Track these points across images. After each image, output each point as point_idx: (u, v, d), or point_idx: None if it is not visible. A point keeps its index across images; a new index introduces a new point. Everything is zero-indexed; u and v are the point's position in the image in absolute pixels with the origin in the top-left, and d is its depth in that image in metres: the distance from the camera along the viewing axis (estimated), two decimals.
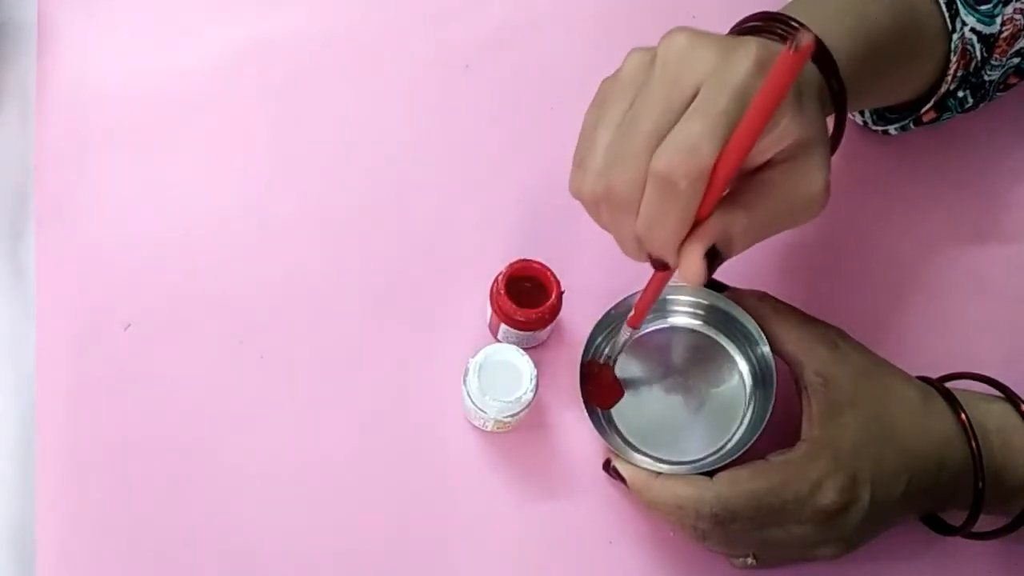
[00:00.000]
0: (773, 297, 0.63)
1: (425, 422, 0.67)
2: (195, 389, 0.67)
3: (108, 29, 0.76)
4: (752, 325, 0.63)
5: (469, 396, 0.63)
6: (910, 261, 0.73)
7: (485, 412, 0.64)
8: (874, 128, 0.72)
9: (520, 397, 0.63)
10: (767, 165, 0.51)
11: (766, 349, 0.62)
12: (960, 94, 0.67)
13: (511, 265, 0.66)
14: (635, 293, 0.63)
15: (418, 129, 0.75)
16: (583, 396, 0.63)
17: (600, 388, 0.64)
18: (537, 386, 0.64)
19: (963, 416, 0.59)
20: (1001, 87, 0.69)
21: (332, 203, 0.72)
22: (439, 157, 0.74)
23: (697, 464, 0.62)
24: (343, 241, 0.71)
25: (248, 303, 0.70)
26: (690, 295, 0.66)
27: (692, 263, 0.50)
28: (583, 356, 0.64)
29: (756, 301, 0.62)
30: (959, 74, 0.64)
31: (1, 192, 0.71)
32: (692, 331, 0.66)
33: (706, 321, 0.66)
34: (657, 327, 0.67)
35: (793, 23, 0.57)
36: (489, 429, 0.66)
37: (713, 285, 0.64)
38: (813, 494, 0.57)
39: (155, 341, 0.68)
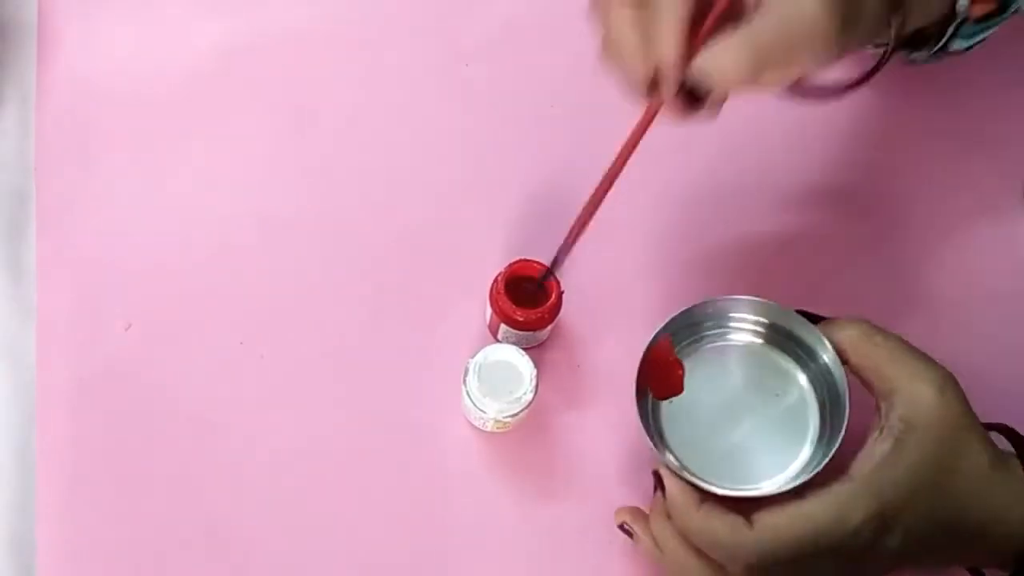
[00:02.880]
0: (875, 326, 0.59)
1: (425, 422, 0.67)
2: (195, 389, 0.67)
3: (108, 30, 0.76)
4: (813, 338, 0.61)
5: (469, 396, 0.63)
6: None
7: (485, 412, 0.64)
8: (912, 59, 0.68)
9: (520, 397, 0.63)
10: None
11: (827, 358, 0.60)
12: None
13: (511, 265, 0.66)
14: (712, 300, 0.62)
15: (418, 128, 0.75)
16: (639, 377, 0.60)
17: (663, 374, 0.62)
18: (537, 386, 0.64)
19: None
20: None
21: (332, 203, 0.72)
22: (439, 156, 0.74)
23: (749, 491, 0.59)
24: (343, 241, 0.71)
25: (248, 303, 0.70)
26: (751, 313, 0.63)
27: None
28: (655, 337, 0.61)
29: (858, 334, 0.59)
30: None
31: (1, 193, 0.71)
32: (756, 353, 0.63)
33: (766, 340, 0.63)
34: (722, 343, 0.64)
35: None
36: (489, 429, 0.66)
37: (808, 316, 0.61)
38: (850, 537, 0.55)
39: (155, 341, 0.68)
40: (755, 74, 0.53)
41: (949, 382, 0.57)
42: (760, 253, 0.72)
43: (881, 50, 0.60)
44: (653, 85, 0.55)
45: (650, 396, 0.62)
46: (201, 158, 0.73)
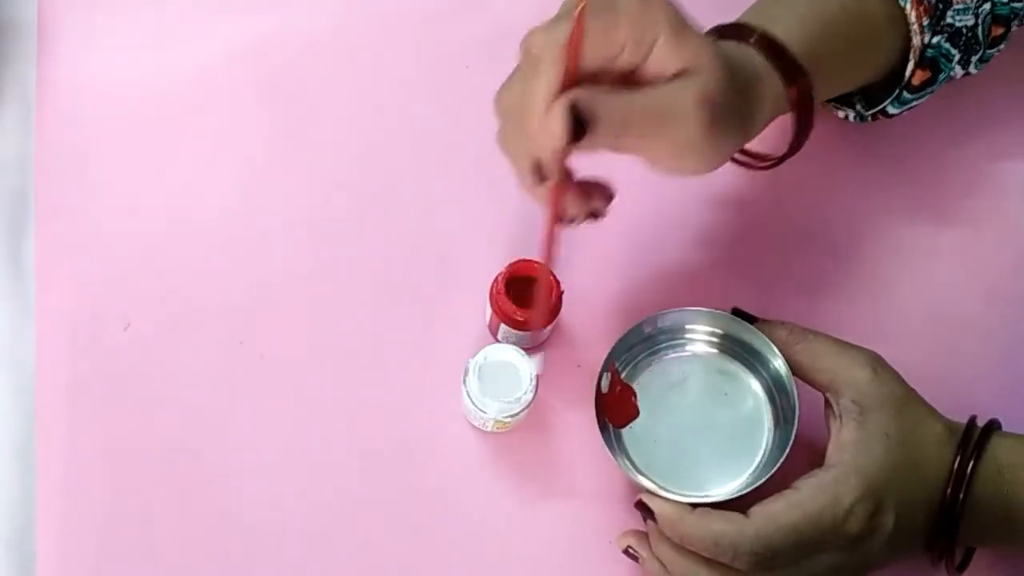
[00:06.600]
0: (801, 326, 0.63)
1: (425, 422, 0.67)
2: (195, 389, 0.67)
3: (108, 29, 0.76)
4: (762, 343, 0.63)
5: (469, 396, 0.64)
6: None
7: (485, 412, 0.64)
8: (867, 114, 0.70)
9: (520, 397, 0.63)
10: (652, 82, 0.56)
11: (778, 363, 0.62)
12: (943, 45, 0.65)
13: (511, 265, 0.66)
14: (662, 313, 0.64)
15: (418, 129, 0.75)
16: (597, 413, 0.63)
17: (616, 404, 0.64)
18: (537, 386, 0.64)
19: (957, 460, 0.59)
20: (989, 43, 0.67)
21: (332, 203, 0.72)
22: (439, 157, 0.74)
23: (715, 496, 0.61)
24: (343, 241, 0.71)
25: (248, 303, 0.70)
26: (704, 324, 0.65)
27: (554, 115, 0.53)
28: (601, 372, 0.63)
29: (786, 333, 0.63)
30: (925, 23, 0.64)
31: (1, 192, 0.71)
32: (705, 359, 0.66)
33: (720, 349, 0.66)
34: (672, 356, 0.66)
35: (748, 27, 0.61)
36: (489, 429, 0.66)
37: (743, 316, 0.64)
38: (846, 520, 0.57)
39: (155, 341, 0.68)
40: (624, 131, 0.55)
41: (879, 361, 0.61)
42: (760, 254, 0.72)
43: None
44: (539, 174, 0.57)
45: (611, 427, 0.64)
46: (201, 158, 0.73)
